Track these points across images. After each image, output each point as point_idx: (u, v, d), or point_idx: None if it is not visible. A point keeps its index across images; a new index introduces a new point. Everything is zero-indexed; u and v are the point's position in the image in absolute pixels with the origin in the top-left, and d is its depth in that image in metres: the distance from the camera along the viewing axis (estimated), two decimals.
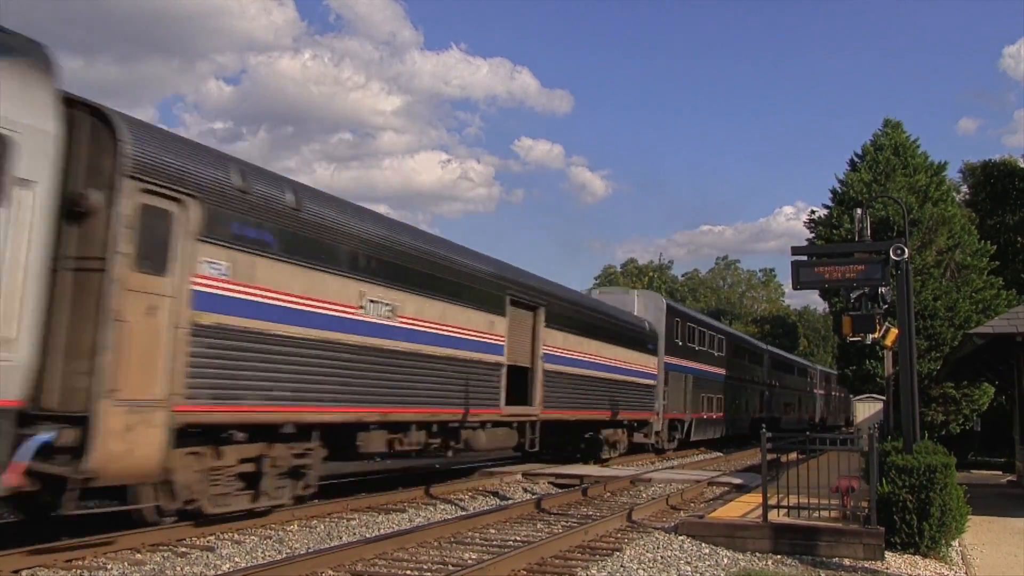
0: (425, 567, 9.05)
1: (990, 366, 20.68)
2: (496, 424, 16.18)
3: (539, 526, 12.26)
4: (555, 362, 18.90)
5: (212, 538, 10.21)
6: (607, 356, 22.37)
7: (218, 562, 9.08)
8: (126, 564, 8.72)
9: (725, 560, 9.64)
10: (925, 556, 10.10)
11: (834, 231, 27.49)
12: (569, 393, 19.64)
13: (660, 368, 26.93)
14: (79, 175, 8.44)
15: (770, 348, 50.63)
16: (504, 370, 16.30)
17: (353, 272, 12.01)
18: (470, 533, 11.22)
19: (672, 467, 23.49)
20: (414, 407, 13.42)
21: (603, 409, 22.11)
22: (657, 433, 26.71)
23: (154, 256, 8.87)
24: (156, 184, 8.89)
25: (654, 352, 26.59)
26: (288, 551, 9.75)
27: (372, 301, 12.33)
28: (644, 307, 27.57)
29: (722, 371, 35.57)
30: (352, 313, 11.87)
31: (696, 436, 31.35)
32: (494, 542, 10.70)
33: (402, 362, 13.01)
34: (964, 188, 37.48)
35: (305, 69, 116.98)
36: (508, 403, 16.46)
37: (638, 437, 25.74)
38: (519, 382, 17.57)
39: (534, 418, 17.84)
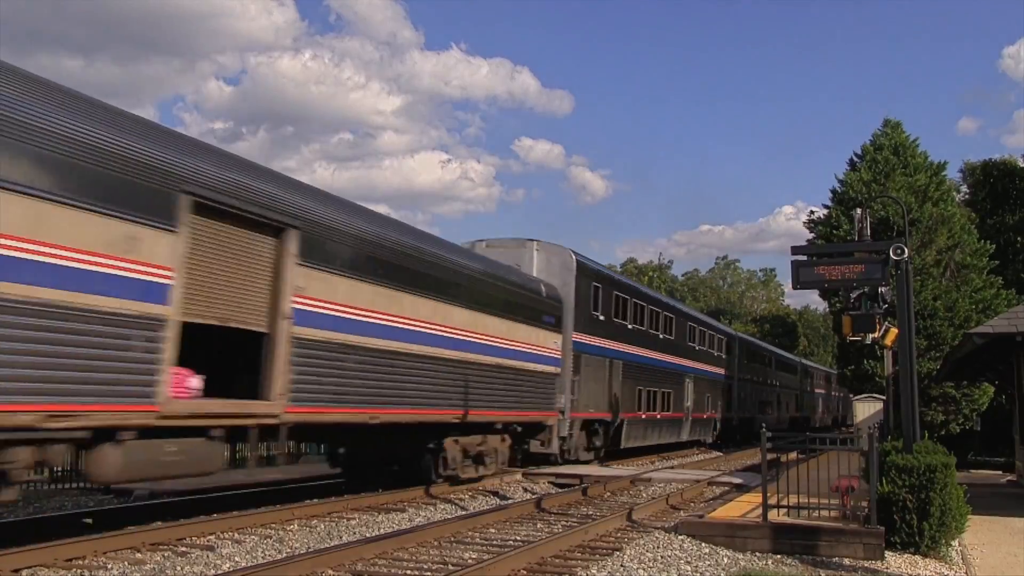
0: (425, 567, 9.05)
1: (990, 366, 20.68)
2: (160, 432, 9.03)
3: (539, 526, 12.26)
4: (328, 327, 11.35)
5: (212, 537, 10.23)
6: (459, 327, 14.85)
7: (218, 561, 9.08)
8: (126, 563, 8.72)
9: (725, 560, 9.64)
10: (925, 556, 10.10)
11: (834, 231, 27.49)
12: (365, 380, 12.19)
13: (566, 350, 19.83)
14: None
15: (742, 335, 43.51)
16: (168, 331, 8.97)
17: None
18: (470, 533, 11.22)
19: (672, 467, 23.51)
20: None
21: (452, 407, 14.62)
22: (563, 439, 19.88)
23: None
24: None
25: (556, 327, 19.28)
26: (288, 551, 9.75)
27: None
28: (546, 266, 20.45)
29: (672, 359, 28.83)
30: None
31: (631, 442, 24.57)
32: (494, 542, 10.70)
33: None
34: (964, 188, 37.50)
35: (305, 69, 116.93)
36: (215, 393, 9.98)
37: (535, 445, 19.21)
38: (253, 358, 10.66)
39: (271, 420, 10.65)
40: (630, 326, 24.64)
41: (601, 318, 22.26)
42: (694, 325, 32.66)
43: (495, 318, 16.31)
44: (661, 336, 27.75)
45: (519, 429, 17.87)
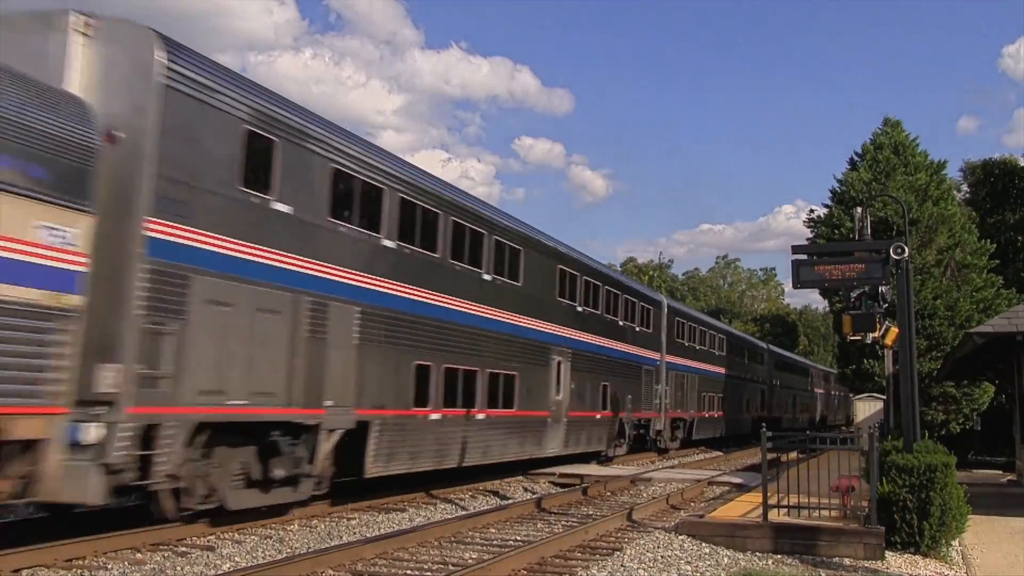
0: (425, 567, 9.05)
1: (990, 365, 20.66)
2: None
3: (539, 526, 12.26)
4: None
5: (212, 538, 10.23)
6: None
7: (218, 562, 9.09)
8: (126, 564, 8.73)
9: (725, 560, 9.64)
10: (925, 556, 10.10)
11: (834, 230, 27.47)
12: None
13: (121, 254, 8.69)
14: None
15: (672, 303, 31.03)
16: None
17: None
18: (470, 533, 11.22)
19: (672, 466, 23.49)
20: None
21: None
22: (118, 472, 8.49)
23: None
24: None
25: (58, 193, 7.86)
26: (288, 551, 9.75)
27: None
28: (106, 71, 8.97)
29: (521, 320, 17.75)
30: None
31: (395, 464, 13.29)
32: (494, 542, 10.70)
33: None
34: (964, 187, 37.49)
35: (306, 68, 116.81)
36: None
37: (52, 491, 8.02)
38: None
39: None
40: (387, 242, 13.18)
41: (280, 208, 10.82)
42: (574, 273, 20.74)
43: None
44: (490, 278, 16.46)
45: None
